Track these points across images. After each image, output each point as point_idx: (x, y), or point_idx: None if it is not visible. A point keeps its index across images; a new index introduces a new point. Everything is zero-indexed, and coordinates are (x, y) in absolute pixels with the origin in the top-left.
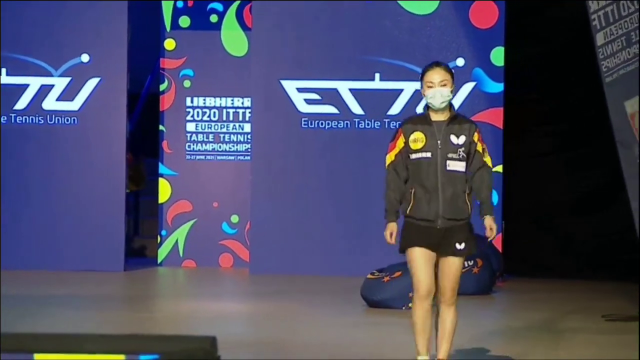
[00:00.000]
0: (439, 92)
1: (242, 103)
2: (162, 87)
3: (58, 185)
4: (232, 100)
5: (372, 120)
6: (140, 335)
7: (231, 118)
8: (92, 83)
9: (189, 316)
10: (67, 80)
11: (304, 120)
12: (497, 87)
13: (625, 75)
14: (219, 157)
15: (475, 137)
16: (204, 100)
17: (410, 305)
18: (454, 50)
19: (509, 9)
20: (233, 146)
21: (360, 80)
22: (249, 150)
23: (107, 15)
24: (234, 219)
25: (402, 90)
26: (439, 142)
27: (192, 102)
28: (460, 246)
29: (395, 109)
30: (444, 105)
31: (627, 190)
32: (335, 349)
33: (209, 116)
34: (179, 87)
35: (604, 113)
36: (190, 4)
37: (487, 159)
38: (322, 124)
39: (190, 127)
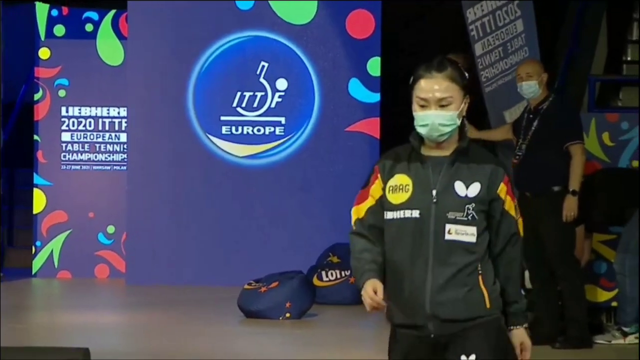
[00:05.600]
0: (433, 117)
1: (118, 112)
2: (37, 96)
3: None
4: (108, 109)
5: None
6: (11, 348)
7: (107, 128)
8: None
9: (63, 328)
10: None
11: None
12: (374, 97)
13: (504, 86)
14: (94, 167)
15: (502, 189)
16: (80, 109)
17: (288, 315)
18: (331, 60)
19: (384, 19)
20: (109, 156)
21: None
22: (125, 160)
23: None
24: (110, 229)
25: None
26: (434, 192)
27: (67, 111)
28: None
29: None
30: (444, 138)
31: None
32: None
33: (84, 126)
34: (54, 97)
35: (484, 122)
36: (65, 12)
37: (520, 227)
38: None
39: (66, 136)
